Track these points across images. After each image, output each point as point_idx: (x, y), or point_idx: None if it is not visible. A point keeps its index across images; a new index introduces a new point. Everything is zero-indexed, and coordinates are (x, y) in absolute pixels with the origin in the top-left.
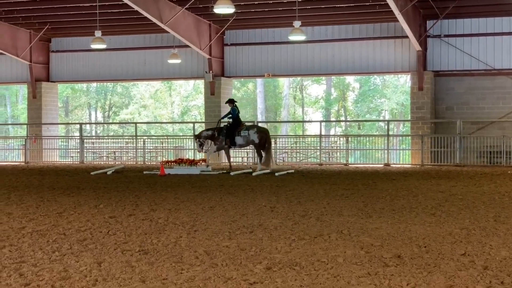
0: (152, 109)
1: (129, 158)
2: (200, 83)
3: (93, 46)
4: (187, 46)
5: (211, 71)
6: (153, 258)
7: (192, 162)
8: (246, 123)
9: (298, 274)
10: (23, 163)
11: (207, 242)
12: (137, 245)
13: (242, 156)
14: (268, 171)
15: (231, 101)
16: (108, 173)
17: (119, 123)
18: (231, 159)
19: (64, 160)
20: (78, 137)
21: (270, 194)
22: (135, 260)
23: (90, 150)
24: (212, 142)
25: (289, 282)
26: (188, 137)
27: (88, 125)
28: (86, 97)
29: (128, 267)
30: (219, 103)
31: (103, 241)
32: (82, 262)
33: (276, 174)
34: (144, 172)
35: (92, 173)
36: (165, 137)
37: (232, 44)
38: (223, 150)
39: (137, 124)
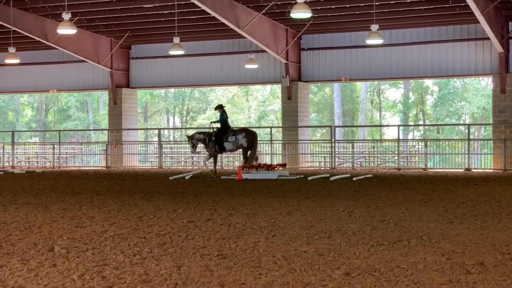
0: (229, 114)
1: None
2: (277, 88)
3: (172, 52)
4: (263, 51)
5: (288, 76)
6: (231, 262)
7: (270, 167)
8: (234, 128)
9: (378, 280)
10: (104, 168)
11: (285, 247)
12: (215, 249)
13: (319, 161)
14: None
15: (220, 107)
16: (186, 178)
17: (197, 128)
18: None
19: (143, 165)
20: (157, 142)
21: (348, 199)
22: (213, 265)
23: (168, 155)
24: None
25: None
26: (265, 141)
27: (166, 130)
28: (164, 103)
29: (207, 271)
30: (296, 107)
31: (182, 245)
32: (162, 266)
33: (354, 179)
34: (222, 177)
35: (170, 178)
36: None
37: (309, 49)
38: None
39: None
